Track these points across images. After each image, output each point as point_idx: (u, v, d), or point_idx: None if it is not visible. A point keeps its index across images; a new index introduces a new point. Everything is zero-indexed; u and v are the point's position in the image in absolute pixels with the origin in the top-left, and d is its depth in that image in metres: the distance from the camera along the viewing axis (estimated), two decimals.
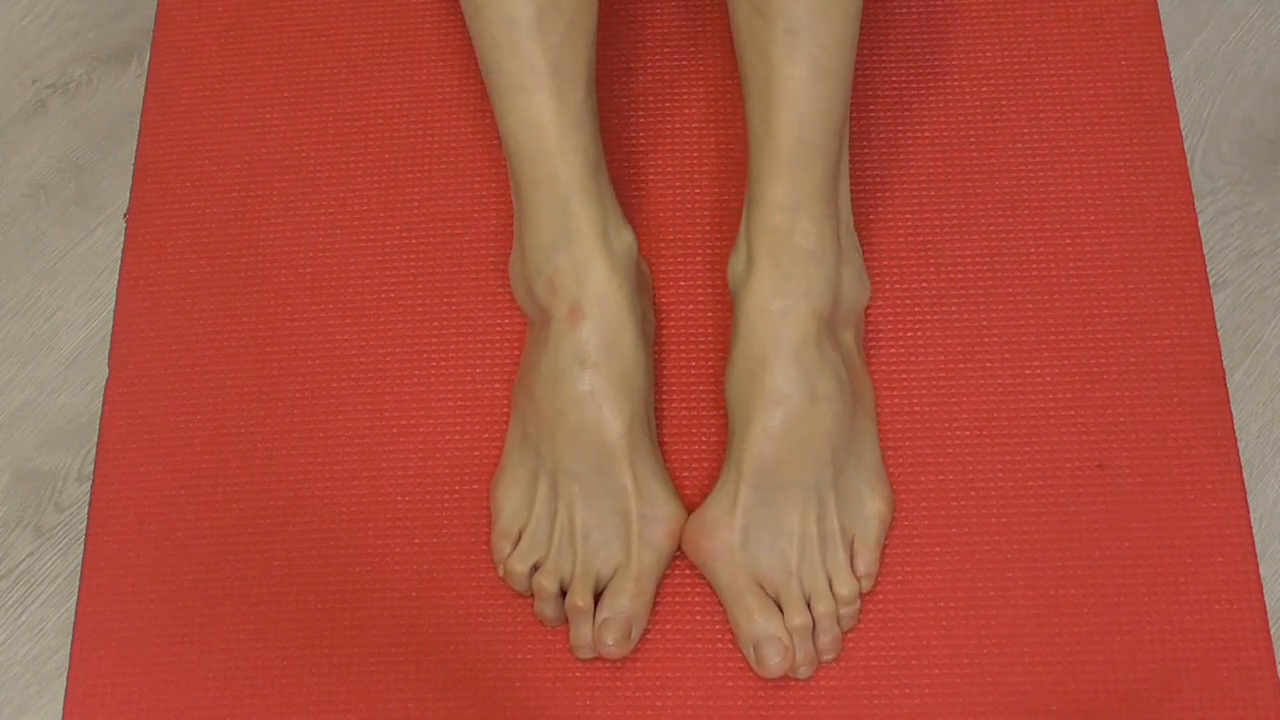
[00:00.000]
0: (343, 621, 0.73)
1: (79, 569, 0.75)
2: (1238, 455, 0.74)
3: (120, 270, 0.82)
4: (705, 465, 0.75)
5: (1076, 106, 0.83)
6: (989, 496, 0.74)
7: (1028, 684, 0.70)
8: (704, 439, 0.76)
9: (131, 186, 0.84)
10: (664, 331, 0.78)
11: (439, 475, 0.76)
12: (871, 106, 0.83)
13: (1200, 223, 0.80)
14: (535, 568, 0.71)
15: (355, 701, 0.71)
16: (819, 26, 0.64)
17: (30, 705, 0.73)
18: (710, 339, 0.78)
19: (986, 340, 0.77)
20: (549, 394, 0.69)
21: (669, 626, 0.72)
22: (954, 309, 0.78)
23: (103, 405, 0.79)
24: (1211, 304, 0.78)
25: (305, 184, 0.83)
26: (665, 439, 0.76)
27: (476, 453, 0.76)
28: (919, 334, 0.78)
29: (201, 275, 0.81)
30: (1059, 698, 0.70)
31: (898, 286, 0.79)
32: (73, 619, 0.74)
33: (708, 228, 0.81)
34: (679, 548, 0.72)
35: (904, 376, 0.77)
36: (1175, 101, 0.83)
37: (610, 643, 0.69)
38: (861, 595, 0.71)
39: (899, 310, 0.78)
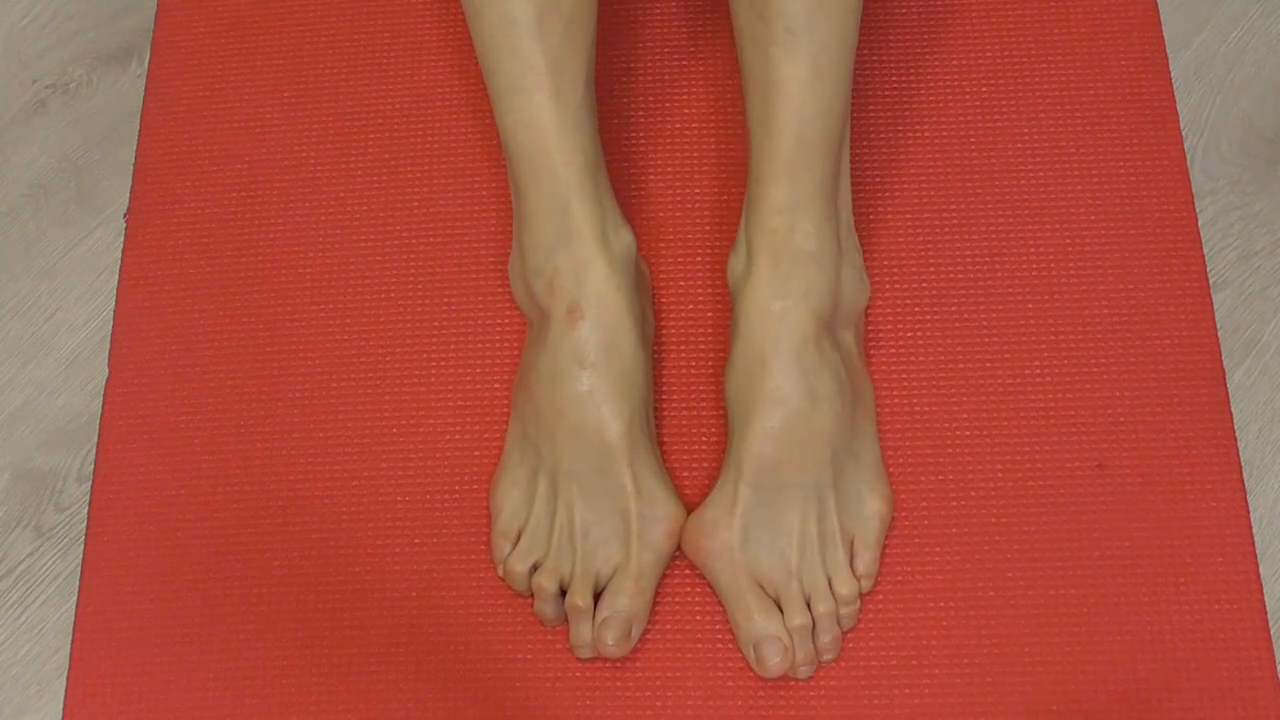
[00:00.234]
0: (343, 621, 0.73)
1: (79, 569, 0.75)
2: (1238, 455, 0.74)
3: (120, 270, 0.82)
4: (705, 465, 0.75)
5: (1076, 106, 0.83)
6: (989, 496, 0.74)
7: (1028, 684, 0.70)
8: (704, 439, 0.76)
9: (131, 186, 0.84)
10: (664, 331, 0.78)
11: (439, 475, 0.76)
12: (871, 106, 0.83)
13: (1200, 223, 0.80)
14: (535, 567, 0.71)
15: (355, 701, 0.71)
16: (818, 26, 0.64)
17: (30, 705, 0.73)
18: (710, 339, 0.78)
19: (986, 340, 0.77)
20: (548, 394, 0.69)
21: (669, 626, 0.72)
22: (954, 309, 0.78)
23: (103, 405, 0.79)
24: (1211, 304, 0.78)
25: (305, 184, 0.83)
26: (665, 439, 0.76)
27: (476, 453, 0.76)
28: (919, 334, 0.78)
29: (201, 275, 0.81)
30: (1059, 698, 0.70)
31: (898, 286, 0.79)
32: (73, 619, 0.74)
33: (708, 228, 0.81)
34: (679, 547, 0.72)
35: (904, 376, 0.77)
36: (1175, 101, 0.83)
37: (610, 642, 0.69)
38: (861, 595, 0.71)
39: (899, 310, 0.78)
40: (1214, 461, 0.74)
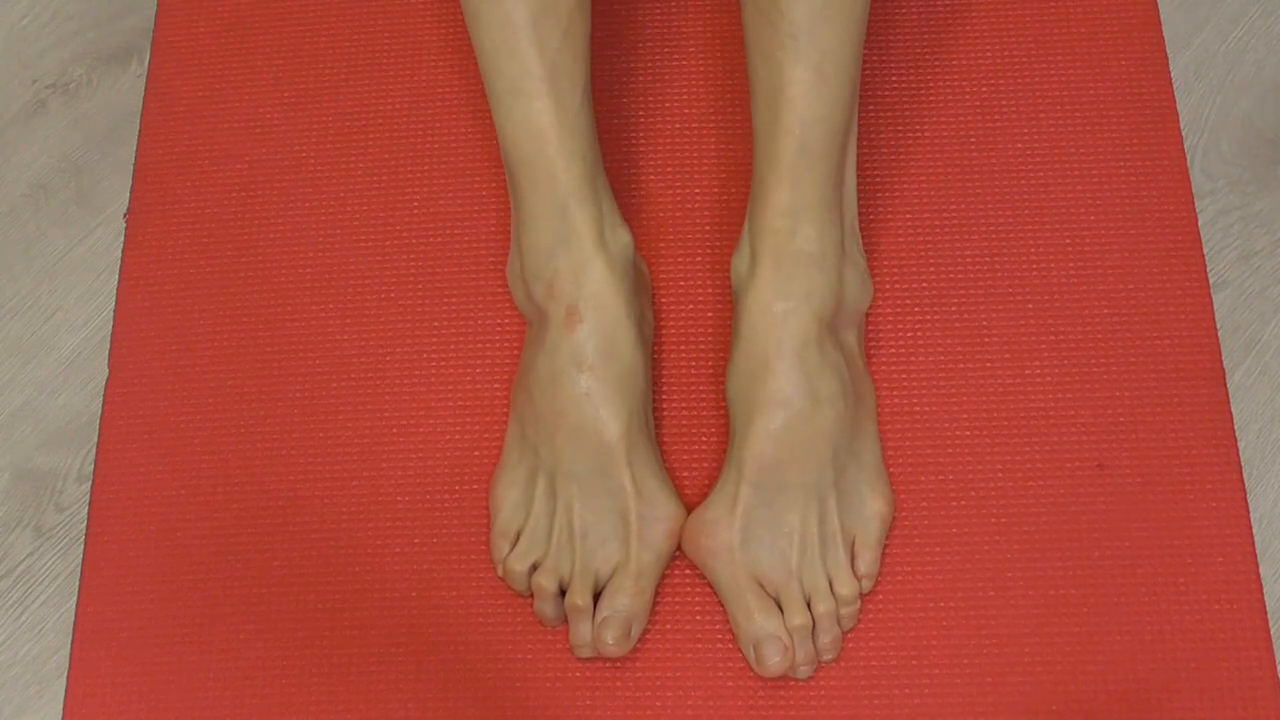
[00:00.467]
0: (343, 621, 0.73)
1: (79, 569, 0.75)
2: (1238, 455, 0.74)
3: (120, 270, 0.82)
4: (705, 465, 0.75)
5: (1076, 106, 0.83)
6: (989, 496, 0.74)
7: (1028, 684, 0.70)
8: (704, 439, 0.76)
9: (131, 186, 0.84)
10: (664, 331, 0.78)
11: (439, 475, 0.76)
12: (872, 107, 0.83)
13: (1200, 223, 0.80)
14: (534, 567, 0.71)
15: (355, 701, 0.71)
16: (821, 31, 0.64)
17: (30, 705, 0.73)
18: (710, 339, 0.78)
19: (986, 340, 0.77)
20: (547, 395, 0.69)
21: (669, 626, 0.72)
22: (954, 309, 0.78)
23: (103, 405, 0.79)
24: (1211, 304, 0.78)
25: (305, 184, 0.83)
26: (665, 439, 0.76)
27: (476, 453, 0.76)
28: (919, 334, 0.78)
29: (201, 275, 0.81)
30: (1059, 698, 0.70)
31: (898, 286, 0.79)
32: (73, 619, 0.74)
33: (708, 228, 0.81)
34: (679, 547, 0.72)
35: (904, 376, 0.77)
36: (1175, 101, 0.83)
37: (610, 641, 0.69)
38: (862, 596, 0.71)
39: (899, 310, 0.78)
40: (1214, 461, 0.74)
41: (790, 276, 0.67)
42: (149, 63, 0.88)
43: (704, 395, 0.77)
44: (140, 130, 0.86)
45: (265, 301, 0.80)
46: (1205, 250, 0.79)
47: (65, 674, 0.73)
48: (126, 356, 0.80)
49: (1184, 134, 0.82)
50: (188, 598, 0.74)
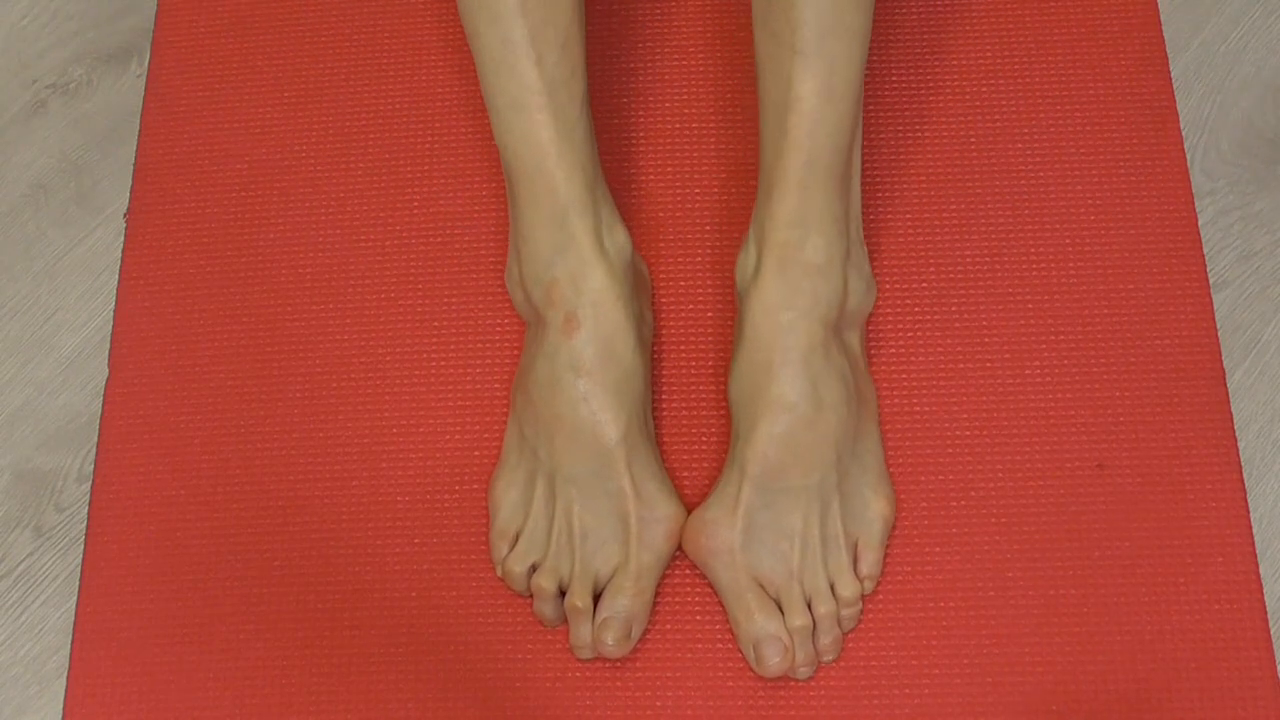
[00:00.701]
0: (343, 621, 0.73)
1: (79, 569, 0.75)
2: (1238, 455, 0.74)
3: (120, 270, 0.82)
4: (705, 465, 0.75)
5: (1076, 106, 0.83)
6: (989, 496, 0.74)
7: (1028, 684, 0.70)
8: (704, 439, 0.76)
9: (131, 186, 0.84)
10: (664, 332, 0.78)
11: (439, 475, 0.76)
12: (872, 107, 0.83)
13: (1200, 223, 0.80)
14: (534, 568, 0.71)
15: (355, 701, 0.71)
16: (828, 47, 0.65)
17: (30, 705, 0.73)
18: (710, 339, 0.78)
19: (986, 340, 0.77)
20: (545, 398, 0.69)
21: (669, 626, 0.72)
22: (954, 309, 0.78)
23: (103, 405, 0.79)
24: (1211, 304, 0.78)
25: (305, 184, 0.83)
26: (665, 439, 0.76)
27: (476, 453, 0.76)
28: (920, 334, 0.78)
29: (201, 275, 0.81)
30: (1059, 698, 0.70)
31: (899, 287, 0.79)
32: (73, 619, 0.74)
33: (708, 228, 0.81)
34: (679, 547, 0.72)
35: (905, 377, 0.77)
36: (1175, 101, 0.83)
37: (610, 642, 0.69)
38: (863, 597, 0.71)
39: (900, 310, 0.78)
40: (1214, 461, 0.74)
41: (797, 285, 0.67)
42: (149, 63, 0.88)
43: (704, 395, 0.77)
44: (140, 130, 0.86)
45: (265, 301, 0.80)
46: (1205, 250, 0.79)
47: (65, 674, 0.73)
48: (126, 356, 0.80)
49: (1184, 134, 0.82)
50: (188, 598, 0.74)
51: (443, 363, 0.78)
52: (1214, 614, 0.71)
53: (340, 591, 0.74)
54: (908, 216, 0.80)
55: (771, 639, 0.68)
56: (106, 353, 0.80)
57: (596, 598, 0.70)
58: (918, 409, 0.76)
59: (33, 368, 0.80)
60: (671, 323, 0.79)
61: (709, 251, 0.80)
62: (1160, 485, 0.74)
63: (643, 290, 0.77)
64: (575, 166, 0.69)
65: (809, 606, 0.69)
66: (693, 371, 0.77)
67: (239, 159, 0.84)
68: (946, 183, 0.81)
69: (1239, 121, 0.83)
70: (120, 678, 0.72)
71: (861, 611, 0.71)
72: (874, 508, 0.71)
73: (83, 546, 0.76)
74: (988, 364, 0.77)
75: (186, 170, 0.84)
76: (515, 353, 0.78)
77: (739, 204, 0.81)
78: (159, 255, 0.82)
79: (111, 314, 0.81)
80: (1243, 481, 0.74)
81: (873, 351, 0.77)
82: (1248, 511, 0.73)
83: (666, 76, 0.85)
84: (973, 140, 0.82)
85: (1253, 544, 0.72)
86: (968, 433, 0.75)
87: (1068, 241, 0.79)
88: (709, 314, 0.79)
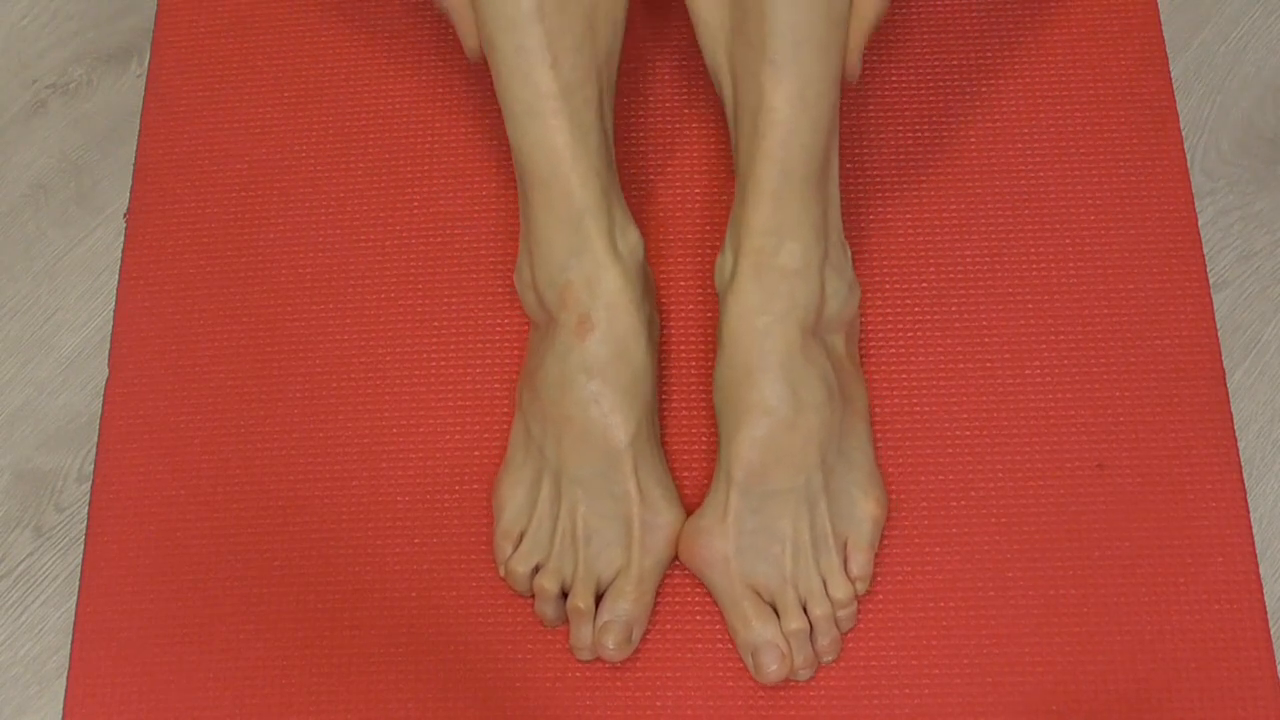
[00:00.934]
0: (343, 621, 0.73)
1: (79, 569, 0.75)
2: (1238, 455, 0.74)
3: (120, 270, 0.82)
4: (705, 466, 0.75)
5: (1076, 106, 0.83)
6: (989, 496, 0.74)
7: (1028, 684, 0.70)
8: (704, 439, 0.76)
9: (131, 186, 0.84)
10: (665, 332, 0.78)
11: (439, 475, 0.76)
12: (871, 107, 0.83)
13: (1200, 223, 0.80)
14: (537, 568, 0.71)
15: (355, 701, 0.71)
16: (802, 57, 0.65)
17: (30, 705, 0.73)
18: (711, 339, 0.78)
19: (986, 340, 0.77)
20: (554, 398, 0.69)
21: (669, 627, 0.72)
22: (954, 309, 0.78)
23: (103, 405, 0.79)
24: (1211, 304, 0.78)
25: (305, 184, 0.83)
26: (666, 439, 0.76)
27: (477, 452, 0.76)
28: (919, 334, 0.78)
29: (201, 275, 0.81)
30: (1059, 698, 0.70)
31: (897, 286, 0.79)
32: (73, 619, 0.74)
33: (708, 228, 0.81)
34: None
35: (904, 377, 0.77)
36: (1175, 101, 0.83)
37: (611, 646, 0.69)
38: (858, 597, 0.71)
39: (899, 310, 0.78)
40: (1214, 461, 0.74)
41: (773, 290, 0.67)
42: (149, 63, 0.88)
43: (704, 395, 0.77)
44: (140, 130, 0.86)
45: (265, 301, 0.80)
46: (1205, 250, 0.79)
47: (65, 674, 0.73)
48: (126, 356, 0.80)
49: (1184, 134, 0.82)
50: (188, 598, 0.74)
51: (443, 363, 0.78)
52: (1214, 614, 0.71)
53: (340, 591, 0.74)
54: (908, 216, 0.80)
55: (769, 646, 0.68)
56: (106, 353, 0.80)
57: (598, 599, 0.70)
58: (918, 409, 0.76)
59: (33, 368, 0.80)
60: (672, 323, 0.79)
61: (709, 251, 0.80)
62: (1160, 485, 0.74)
63: (650, 292, 0.77)
64: (590, 171, 0.69)
65: (805, 609, 0.69)
66: (694, 371, 0.77)
67: (239, 159, 0.84)
68: (946, 183, 0.81)
69: (1239, 121, 0.83)
70: (120, 678, 0.72)
71: (858, 611, 0.71)
72: (862, 508, 0.71)
73: (83, 546, 0.76)
74: (987, 364, 0.77)
75: (186, 170, 0.84)
76: (516, 353, 0.78)
77: None
78: (159, 255, 0.82)
79: (111, 314, 0.81)
80: (1243, 481, 0.74)
81: (873, 351, 0.77)
82: (1248, 511, 0.73)
83: (667, 77, 0.85)
84: (973, 140, 0.82)
85: (1253, 544, 0.72)
86: (967, 433, 0.75)
87: (1068, 241, 0.79)
88: (709, 314, 0.79)
